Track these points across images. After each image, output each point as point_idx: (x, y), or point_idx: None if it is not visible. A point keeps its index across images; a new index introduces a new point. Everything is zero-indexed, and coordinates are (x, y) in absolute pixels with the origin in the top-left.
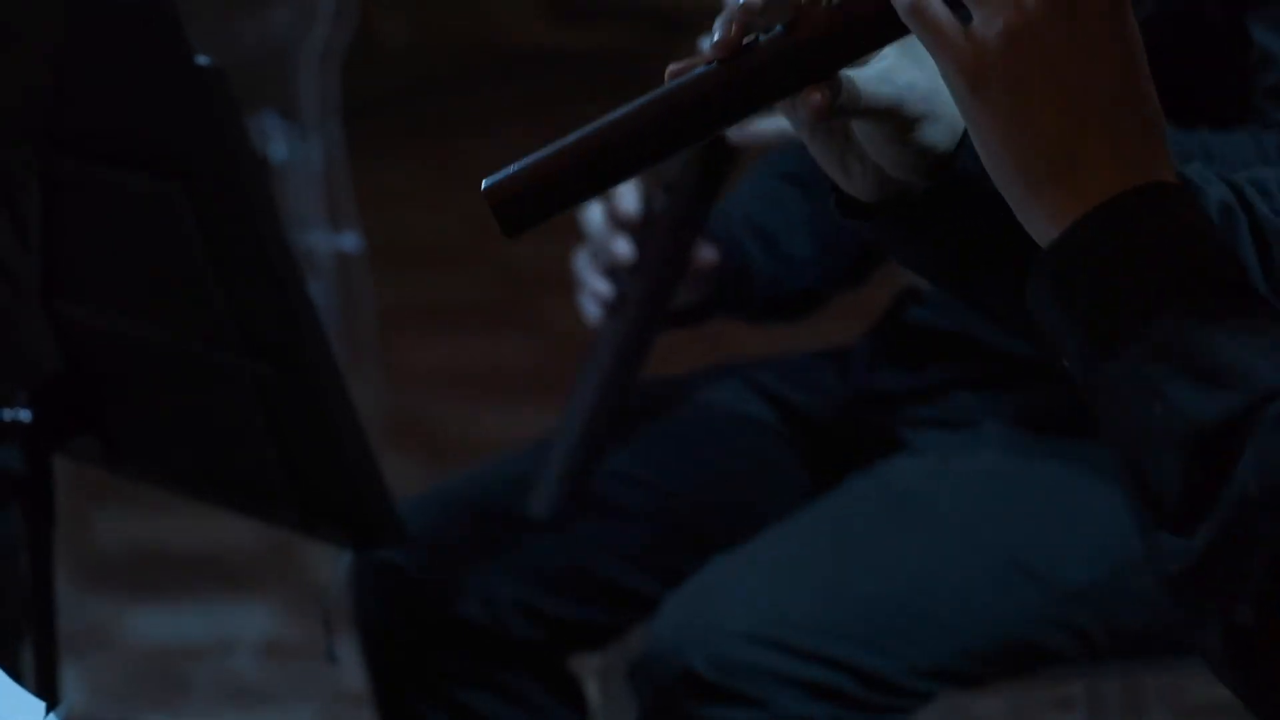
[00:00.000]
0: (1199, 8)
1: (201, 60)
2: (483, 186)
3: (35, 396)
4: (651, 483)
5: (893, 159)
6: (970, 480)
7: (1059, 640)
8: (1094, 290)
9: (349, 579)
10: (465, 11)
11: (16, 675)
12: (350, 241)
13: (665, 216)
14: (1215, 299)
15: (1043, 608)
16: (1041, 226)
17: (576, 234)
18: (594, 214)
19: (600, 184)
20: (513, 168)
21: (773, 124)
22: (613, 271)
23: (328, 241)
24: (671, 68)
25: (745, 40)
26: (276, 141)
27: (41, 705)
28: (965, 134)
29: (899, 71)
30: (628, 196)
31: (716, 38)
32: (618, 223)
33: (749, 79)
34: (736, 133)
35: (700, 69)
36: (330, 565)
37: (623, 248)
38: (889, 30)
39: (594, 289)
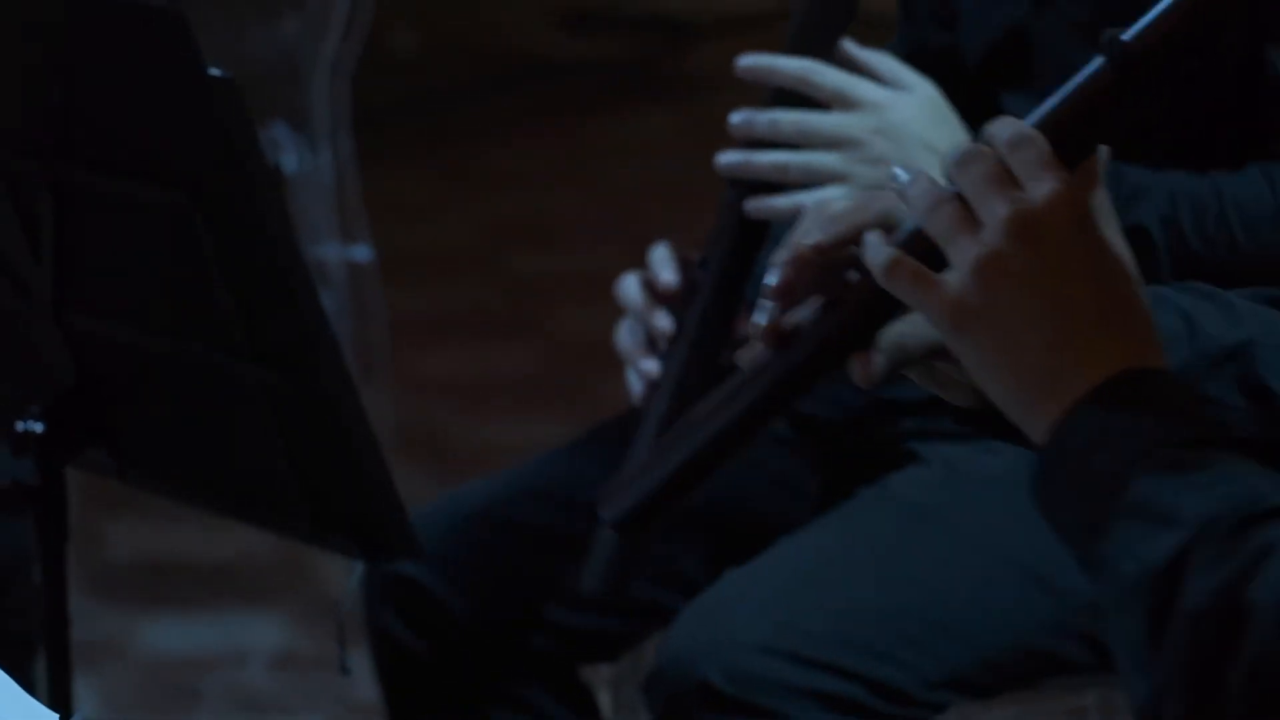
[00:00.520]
0: (1218, 38)
1: (213, 71)
2: (604, 518)
3: (47, 408)
4: None
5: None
6: (982, 490)
7: (1072, 649)
8: (1075, 480)
9: (361, 590)
10: (475, 21)
11: (30, 687)
12: (361, 252)
13: (703, 288)
14: (1176, 459)
15: (1056, 616)
16: (1039, 433)
17: (585, 242)
18: (631, 287)
19: (701, 486)
20: (627, 498)
21: (799, 197)
22: (652, 343)
23: (339, 252)
24: (738, 355)
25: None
26: (287, 152)
27: (55, 717)
28: None
29: None
30: (665, 269)
31: (763, 322)
32: (656, 296)
33: (804, 364)
34: (762, 205)
35: (759, 359)
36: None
37: (663, 321)
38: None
39: (642, 369)
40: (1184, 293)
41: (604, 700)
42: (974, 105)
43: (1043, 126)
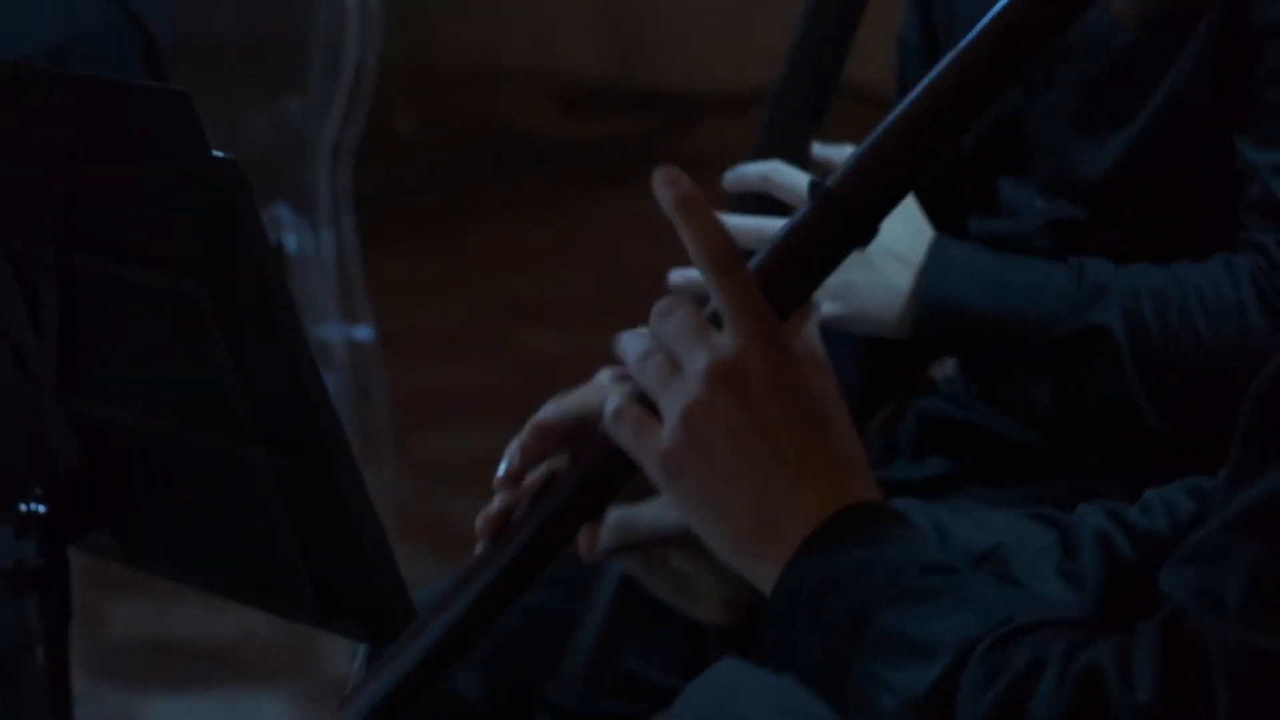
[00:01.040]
0: (1189, 129)
1: (217, 153)
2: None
3: (51, 490)
4: None
5: (716, 584)
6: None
7: None
8: (813, 624)
9: (365, 671)
10: (477, 101)
11: None
12: (364, 332)
13: None
14: (915, 589)
15: None
16: (766, 582)
17: (588, 321)
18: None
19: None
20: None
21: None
22: None
23: (341, 332)
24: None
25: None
26: (289, 232)
27: None
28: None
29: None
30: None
31: (482, 517)
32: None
33: (523, 554)
34: None
35: (478, 550)
36: (345, 656)
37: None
38: (625, 470)
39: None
40: (937, 507)
41: None
42: (971, 190)
43: (756, 271)
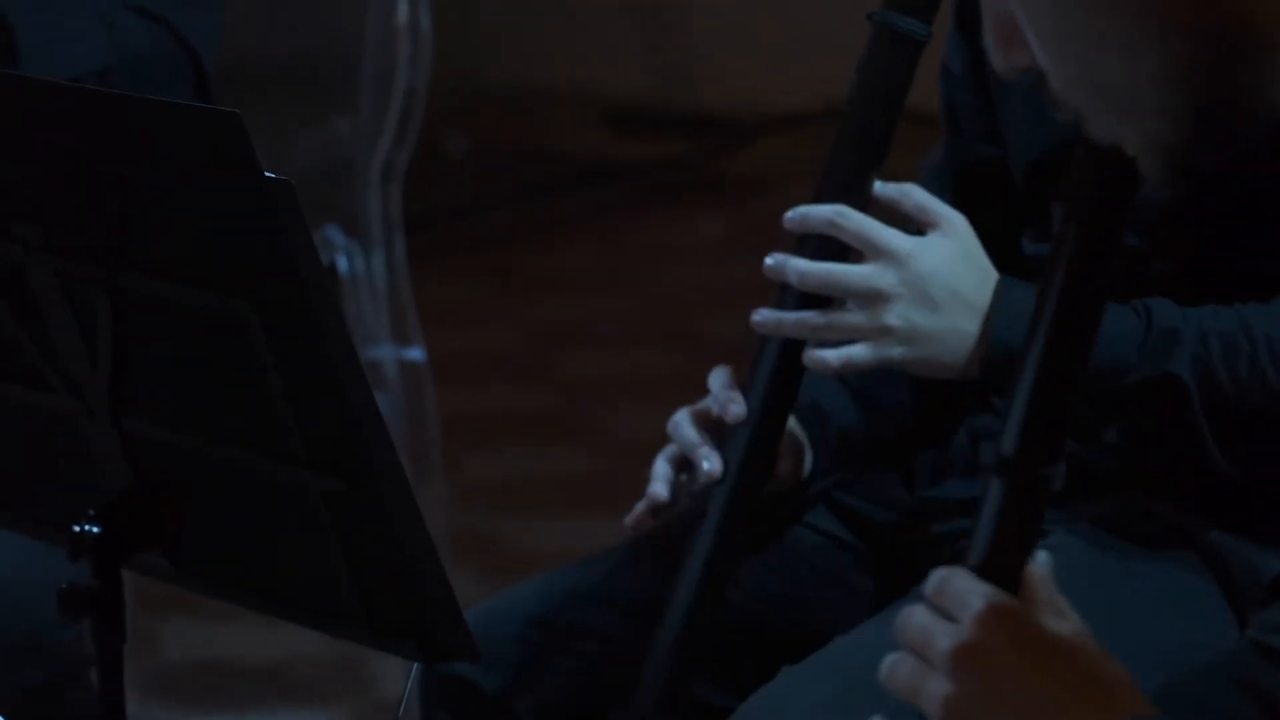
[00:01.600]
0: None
1: (268, 174)
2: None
3: (104, 511)
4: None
5: None
6: None
7: None
8: None
9: (418, 692)
10: (526, 124)
11: None
12: (415, 354)
13: (746, 425)
14: None
15: None
16: None
17: (635, 344)
18: (686, 427)
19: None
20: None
21: (848, 351)
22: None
23: (393, 353)
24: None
25: None
26: (340, 254)
27: None
28: None
29: None
30: (733, 402)
31: None
32: (704, 426)
33: None
34: (812, 358)
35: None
36: (396, 676)
37: (711, 462)
38: None
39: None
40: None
41: None
42: (1025, 213)
43: (973, 563)
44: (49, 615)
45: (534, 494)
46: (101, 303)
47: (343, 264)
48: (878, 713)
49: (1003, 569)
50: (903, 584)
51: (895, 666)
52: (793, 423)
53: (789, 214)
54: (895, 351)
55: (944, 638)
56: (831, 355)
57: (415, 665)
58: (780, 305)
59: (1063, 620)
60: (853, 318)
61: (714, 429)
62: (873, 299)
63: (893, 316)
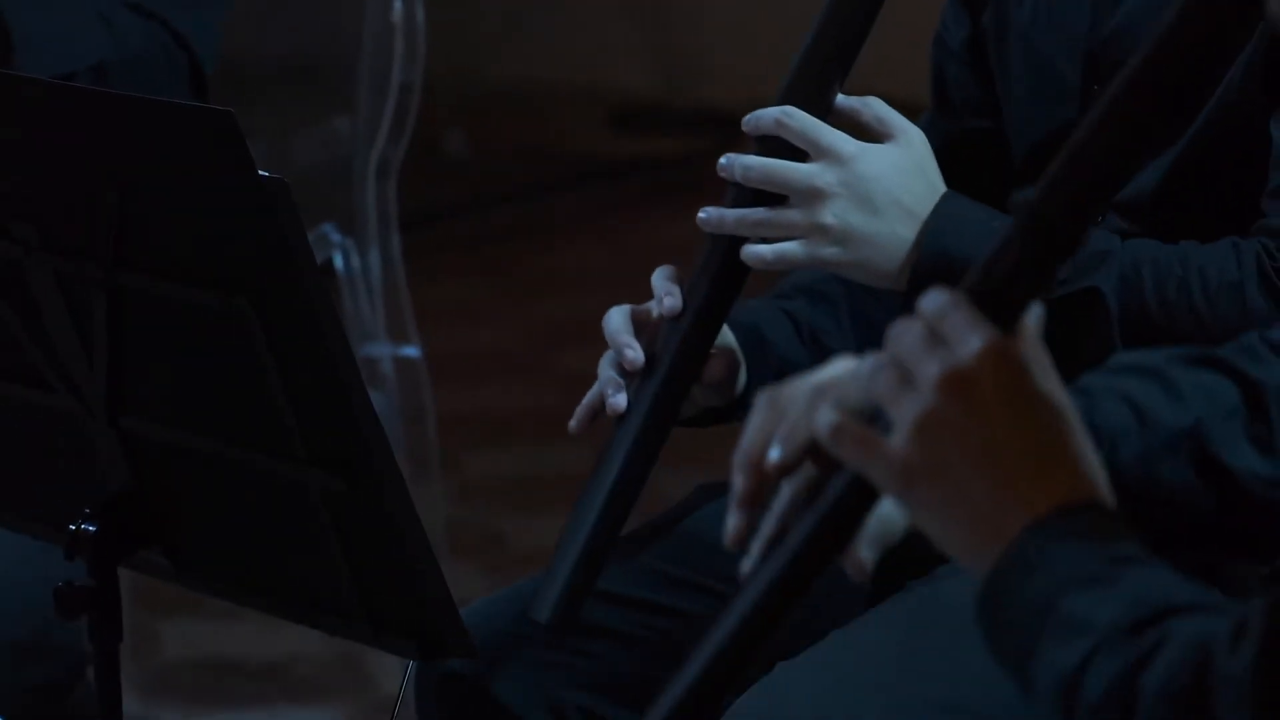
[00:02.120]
0: (1239, 138)
1: (264, 173)
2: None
3: (101, 510)
4: (715, 589)
5: None
6: None
7: None
8: (1011, 611)
9: (415, 689)
10: (524, 121)
11: None
12: (411, 352)
13: (682, 323)
14: (1102, 574)
15: None
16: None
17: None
18: (616, 318)
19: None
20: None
21: (784, 247)
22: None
23: (389, 351)
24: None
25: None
26: (336, 252)
27: None
28: None
29: None
30: (664, 294)
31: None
32: (636, 326)
33: (791, 573)
34: (750, 254)
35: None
36: (395, 674)
37: (633, 353)
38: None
39: (611, 404)
40: (1127, 374)
41: None
42: (1021, 191)
43: (970, 292)
44: (50, 615)
45: (534, 492)
46: (99, 301)
47: (339, 261)
48: (874, 707)
49: (1003, 305)
50: (900, 579)
51: (877, 373)
52: (732, 339)
53: (747, 117)
54: (828, 251)
55: (935, 362)
56: (767, 250)
57: (410, 664)
58: (728, 204)
59: (1049, 379)
60: (791, 214)
61: (651, 331)
62: (811, 196)
63: (829, 215)
